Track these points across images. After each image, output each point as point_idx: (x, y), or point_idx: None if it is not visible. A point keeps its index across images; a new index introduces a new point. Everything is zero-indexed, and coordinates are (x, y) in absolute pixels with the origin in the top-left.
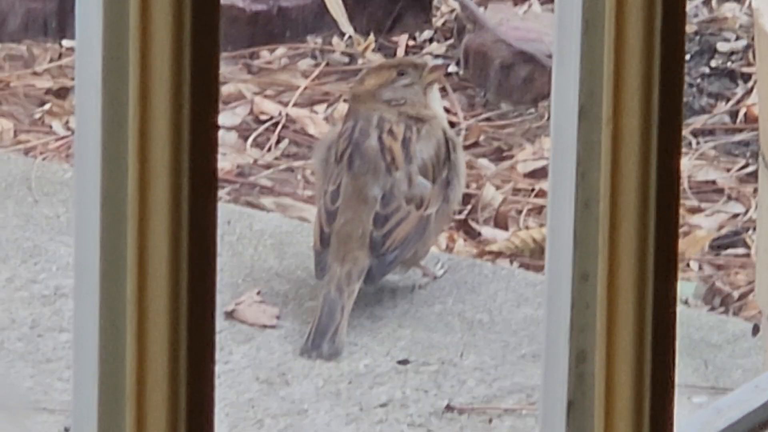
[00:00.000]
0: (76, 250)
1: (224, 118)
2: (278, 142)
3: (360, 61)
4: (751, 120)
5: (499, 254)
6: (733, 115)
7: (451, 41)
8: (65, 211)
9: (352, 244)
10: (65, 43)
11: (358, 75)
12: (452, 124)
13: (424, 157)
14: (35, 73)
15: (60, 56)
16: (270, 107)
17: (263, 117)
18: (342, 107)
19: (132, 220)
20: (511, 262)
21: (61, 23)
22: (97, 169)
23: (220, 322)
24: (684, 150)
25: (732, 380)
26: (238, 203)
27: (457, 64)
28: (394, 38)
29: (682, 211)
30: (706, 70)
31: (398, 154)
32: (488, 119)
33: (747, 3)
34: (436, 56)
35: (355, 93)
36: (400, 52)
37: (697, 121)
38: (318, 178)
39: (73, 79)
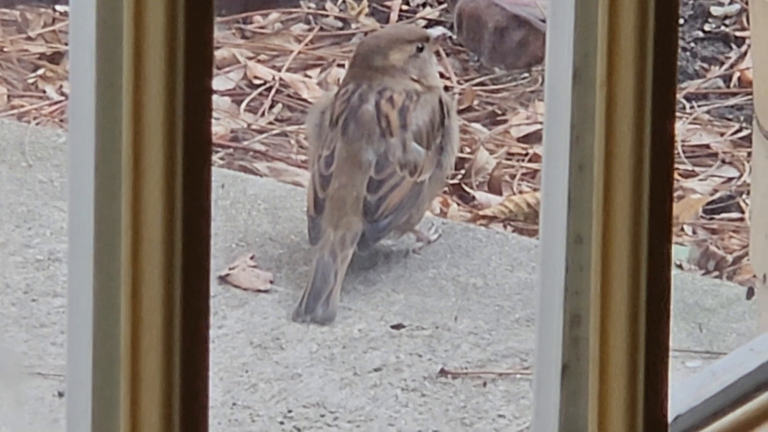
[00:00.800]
0: (71, 215)
1: (217, 83)
2: (272, 106)
3: (353, 25)
4: (744, 84)
5: (492, 218)
6: (727, 79)
7: (444, 5)
8: (59, 176)
9: (346, 209)
10: (59, 8)
11: (368, 45)
12: (446, 89)
13: (419, 123)
14: (29, 38)
15: (54, 21)
16: (263, 72)
17: (257, 82)
18: (335, 72)
19: (126, 184)
20: (505, 227)
21: None
22: (91, 133)
23: (213, 287)
24: (678, 114)
25: (726, 344)
26: (231, 168)
27: (451, 28)
28: (387, 2)
29: (675, 175)
30: (700, 34)
31: (394, 120)
32: (482, 83)
33: None
34: (430, 20)
35: (381, 66)
36: (394, 16)
37: (691, 86)
38: (311, 143)
39: (66, 44)
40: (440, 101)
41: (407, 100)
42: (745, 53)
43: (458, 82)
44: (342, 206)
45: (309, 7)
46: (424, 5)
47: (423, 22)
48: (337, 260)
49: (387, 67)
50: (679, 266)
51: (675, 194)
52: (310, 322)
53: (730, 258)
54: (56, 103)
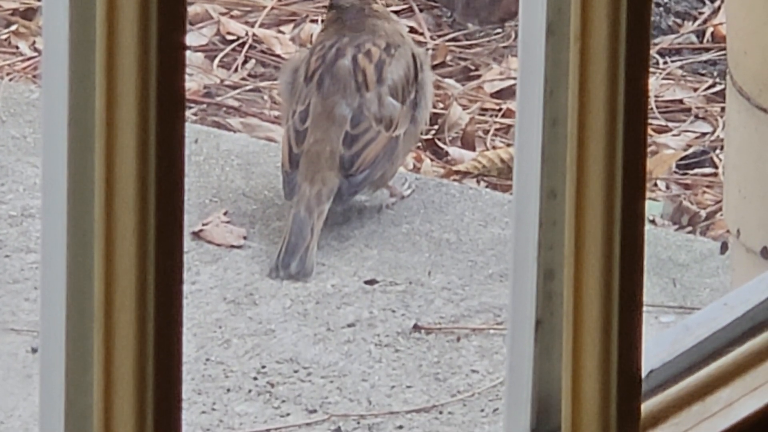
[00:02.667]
0: (44, 171)
1: (191, 39)
2: (245, 62)
3: None
4: (718, 39)
5: (466, 174)
6: (700, 34)
7: None
8: (32, 131)
9: (322, 164)
10: None
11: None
12: (419, 44)
13: (394, 77)
14: None
15: None
16: (236, 27)
17: (230, 37)
18: (309, 27)
19: (99, 140)
20: (479, 182)
21: None
22: (64, 89)
23: (187, 243)
24: (651, 69)
25: (700, 299)
26: (205, 123)
27: None
28: None
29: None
30: None
31: (370, 75)
32: (455, 39)
33: None
34: None
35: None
36: None
37: (664, 41)
38: (284, 101)
39: (39, 0)
40: (413, 55)
41: (384, 54)
42: (719, 8)
43: (431, 38)
44: (317, 161)
45: None
46: None
47: None
48: (313, 215)
49: (371, 13)
50: (653, 221)
51: (648, 149)
52: (286, 278)
53: (703, 213)
54: (29, 59)
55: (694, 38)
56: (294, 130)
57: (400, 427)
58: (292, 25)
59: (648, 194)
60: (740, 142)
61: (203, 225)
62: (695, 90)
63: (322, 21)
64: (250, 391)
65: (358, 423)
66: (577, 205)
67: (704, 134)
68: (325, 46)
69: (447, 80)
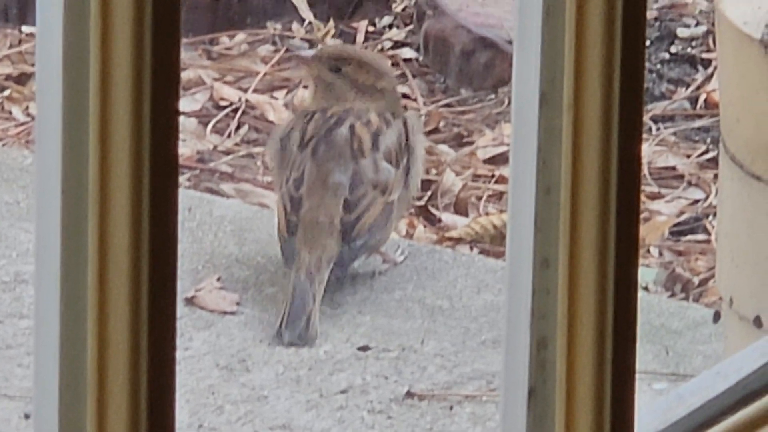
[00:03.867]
0: (37, 236)
1: (184, 104)
2: (238, 128)
3: (320, 47)
4: (711, 106)
5: (459, 240)
6: (693, 101)
7: (410, 27)
8: (25, 197)
9: (320, 230)
10: (25, 29)
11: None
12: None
13: (388, 143)
14: None
15: (20, 42)
16: (230, 93)
17: (223, 103)
18: (302, 93)
19: (93, 206)
20: (471, 249)
21: (22, 9)
22: (58, 155)
23: (180, 309)
24: (644, 136)
25: (693, 367)
26: (198, 189)
27: (417, 50)
28: (354, 24)
29: (642, 197)
30: (666, 55)
31: (366, 142)
32: (448, 105)
33: None
34: (396, 42)
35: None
36: (360, 38)
37: (657, 107)
38: (275, 167)
39: (33, 65)
40: (404, 120)
41: (382, 123)
42: (712, 75)
43: (424, 104)
44: (315, 228)
45: (275, 29)
46: (390, 27)
47: (389, 44)
48: (314, 283)
49: (378, 89)
50: (646, 288)
51: (641, 216)
52: (289, 345)
53: (696, 280)
54: (22, 124)
55: (687, 105)
56: (289, 197)
57: None
58: (285, 91)
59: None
60: (733, 210)
61: (196, 291)
62: (688, 157)
63: (305, 86)
64: None
65: None
66: (570, 273)
67: (697, 201)
68: (321, 113)
69: (440, 146)
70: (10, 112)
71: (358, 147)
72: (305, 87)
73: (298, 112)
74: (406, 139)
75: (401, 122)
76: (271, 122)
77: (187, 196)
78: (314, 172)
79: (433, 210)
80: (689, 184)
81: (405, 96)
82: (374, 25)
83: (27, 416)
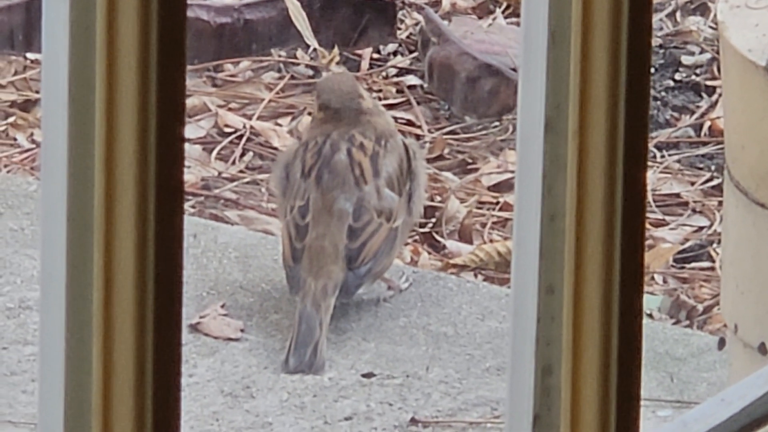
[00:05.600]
0: (42, 263)
1: (189, 131)
2: (242, 154)
3: (324, 74)
4: (715, 133)
5: (463, 267)
6: (698, 128)
7: (415, 54)
8: (30, 223)
9: (326, 258)
10: (29, 55)
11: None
12: (417, 137)
13: (389, 169)
14: (0, 86)
15: (24, 69)
16: (234, 120)
17: (227, 130)
18: (306, 120)
19: (98, 233)
20: (476, 275)
21: (27, 36)
22: (63, 181)
23: (184, 335)
24: (648, 163)
25: (697, 394)
26: (202, 216)
27: (422, 77)
28: (359, 51)
29: (646, 224)
30: (671, 83)
31: (367, 168)
32: (453, 132)
33: (711, 16)
34: (401, 69)
35: (355, 109)
36: (365, 65)
37: (662, 135)
38: (278, 197)
39: (37, 91)
40: (405, 146)
41: (376, 146)
42: (716, 102)
43: (429, 131)
44: (321, 256)
45: (280, 56)
46: (395, 54)
47: (394, 71)
48: (320, 310)
49: (362, 110)
50: (650, 315)
51: (646, 243)
52: (298, 372)
53: (700, 307)
54: (27, 150)
55: (691, 132)
56: (294, 225)
57: None
58: (289, 118)
59: (645, 288)
60: (737, 237)
61: (201, 318)
62: (692, 184)
63: (309, 113)
64: None
65: None
66: (575, 301)
67: (701, 228)
68: (318, 141)
69: (444, 173)
70: (15, 139)
71: (360, 173)
72: (309, 114)
73: (300, 140)
74: (408, 166)
75: (402, 147)
76: (276, 149)
77: (191, 223)
78: (319, 200)
79: (437, 237)
80: (694, 211)
81: (409, 123)
82: (379, 52)
83: None
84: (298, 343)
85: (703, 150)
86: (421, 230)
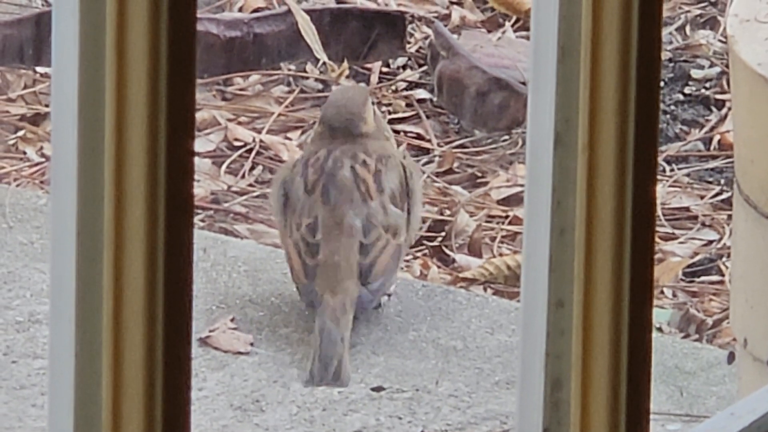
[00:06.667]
0: (52, 277)
1: (198, 145)
2: (252, 168)
3: (334, 88)
4: (725, 147)
5: (473, 281)
6: (707, 142)
7: (424, 68)
8: (39, 237)
9: (341, 274)
10: (39, 69)
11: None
12: (426, 151)
13: (392, 186)
14: (9, 100)
15: (34, 83)
16: (244, 134)
17: (237, 143)
18: None
19: (108, 246)
20: (485, 289)
21: (37, 50)
22: (73, 195)
23: (194, 349)
24: (658, 177)
25: (706, 408)
26: (212, 230)
27: (431, 90)
28: (368, 65)
29: (656, 238)
30: (680, 96)
31: (371, 184)
32: (462, 146)
33: (721, 30)
34: (410, 83)
35: (359, 130)
36: (374, 78)
37: (671, 148)
38: (279, 213)
39: (47, 105)
40: (402, 166)
41: (379, 164)
42: (726, 116)
43: (438, 145)
44: (337, 272)
45: (289, 69)
46: (404, 68)
47: (403, 85)
48: (340, 326)
49: (360, 134)
50: (659, 329)
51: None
52: (323, 386)
53: (710, 321)
54: (37, 164)
55: (701, 146)
56: (304, 243)
57: None
58: (299, 132)
59: (655, 302)
60: (747, 251)
61: (210, 331)
62: (702, 197)
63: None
64: None
65: None
66: (585, 315)
67: (711, 242)
68: (320, 157)
69: (454, 187)
70: (24, 153)
71: (365, 190)
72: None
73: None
74: (407, 183)
75: (400, 166)
76: (285, 162)
77: (201, 237)
78: (328, 217)
79: (447, 251)
80: (703, 225)
81: (418, 136)
82: (388, 65)
83: None
84: (322, 359)
85: (712, 164)
86: (431, 244)
